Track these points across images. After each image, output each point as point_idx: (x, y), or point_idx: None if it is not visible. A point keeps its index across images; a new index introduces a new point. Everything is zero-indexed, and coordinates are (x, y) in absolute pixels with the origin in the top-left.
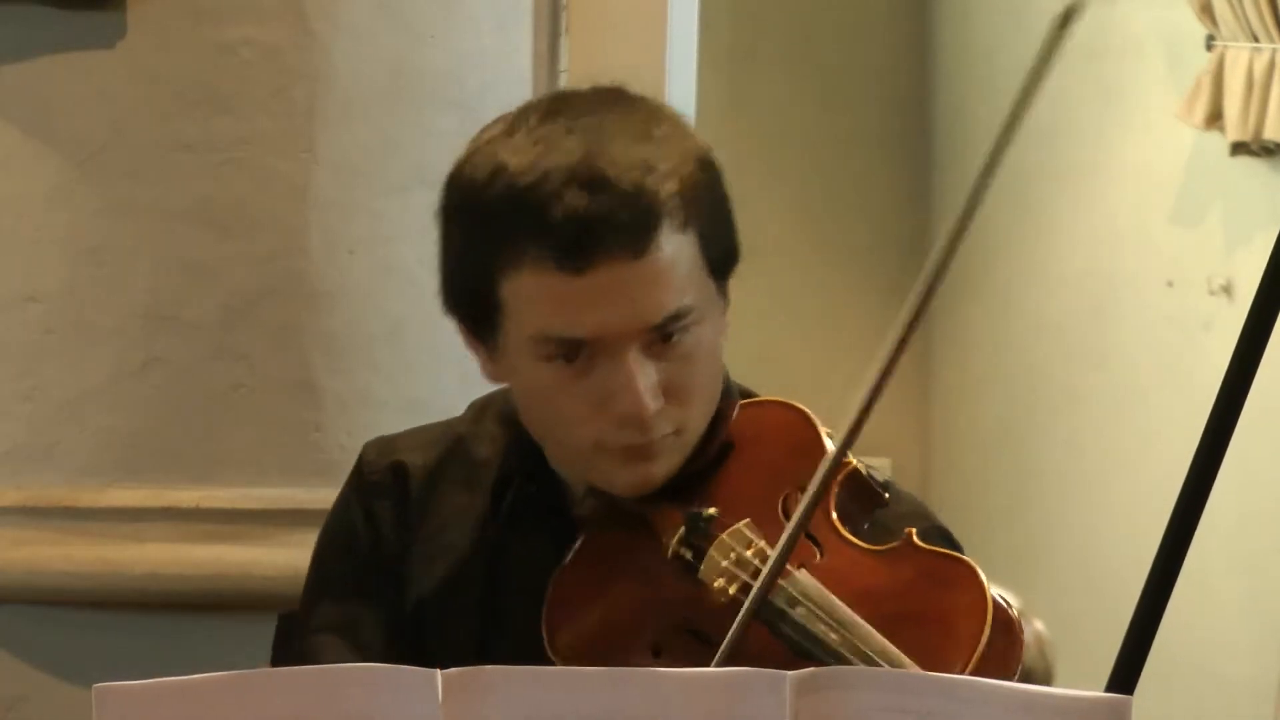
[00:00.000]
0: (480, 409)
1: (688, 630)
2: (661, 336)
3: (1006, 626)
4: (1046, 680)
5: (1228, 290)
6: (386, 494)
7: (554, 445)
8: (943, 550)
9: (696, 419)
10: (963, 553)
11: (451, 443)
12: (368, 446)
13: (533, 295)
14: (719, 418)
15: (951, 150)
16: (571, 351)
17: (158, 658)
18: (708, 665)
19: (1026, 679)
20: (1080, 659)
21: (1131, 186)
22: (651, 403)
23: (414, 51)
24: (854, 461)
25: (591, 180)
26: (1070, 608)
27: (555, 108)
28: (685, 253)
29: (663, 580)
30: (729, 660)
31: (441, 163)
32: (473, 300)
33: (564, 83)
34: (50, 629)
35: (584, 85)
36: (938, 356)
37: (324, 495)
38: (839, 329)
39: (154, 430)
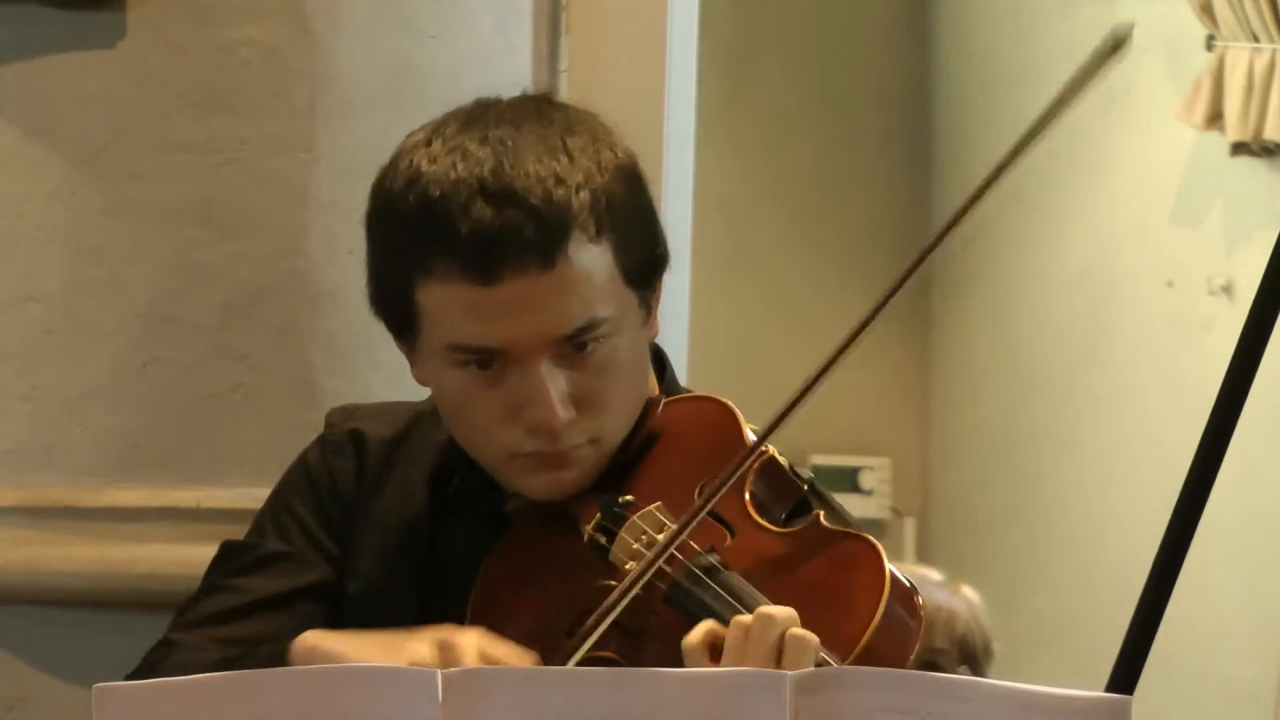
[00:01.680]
0: None
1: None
2: (574, 347)
3: (905, 602)
4: (985, 645)
5: (1228, 290)
6: (346, 455)
7: (473, 451)
8: (847, 529)
9: (612, 429)
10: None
11: (413, 419)
12: (332, 411)
13: (444, 305)
14: (644, 414)
15: (951, 150)
16: (484, 360)
17: None
18: (620, 649)
19: (964, 644)
20: (1080, 659)
21: (1131, 186)
22: (562, 412)
23: (414, 51)
24: (772, 451)
25: (499, 193)
26: (1070, 608)
27: (474, 116)
28: (599, 264)
29: (580, 567)
30: (632, 637)
31: None
32: (392, 306)
33: (564, 83)
34: (50, 629)
35: (604, 78)
36: (938, 356)
37: None
38: (838, 328)
39: (154, 430)
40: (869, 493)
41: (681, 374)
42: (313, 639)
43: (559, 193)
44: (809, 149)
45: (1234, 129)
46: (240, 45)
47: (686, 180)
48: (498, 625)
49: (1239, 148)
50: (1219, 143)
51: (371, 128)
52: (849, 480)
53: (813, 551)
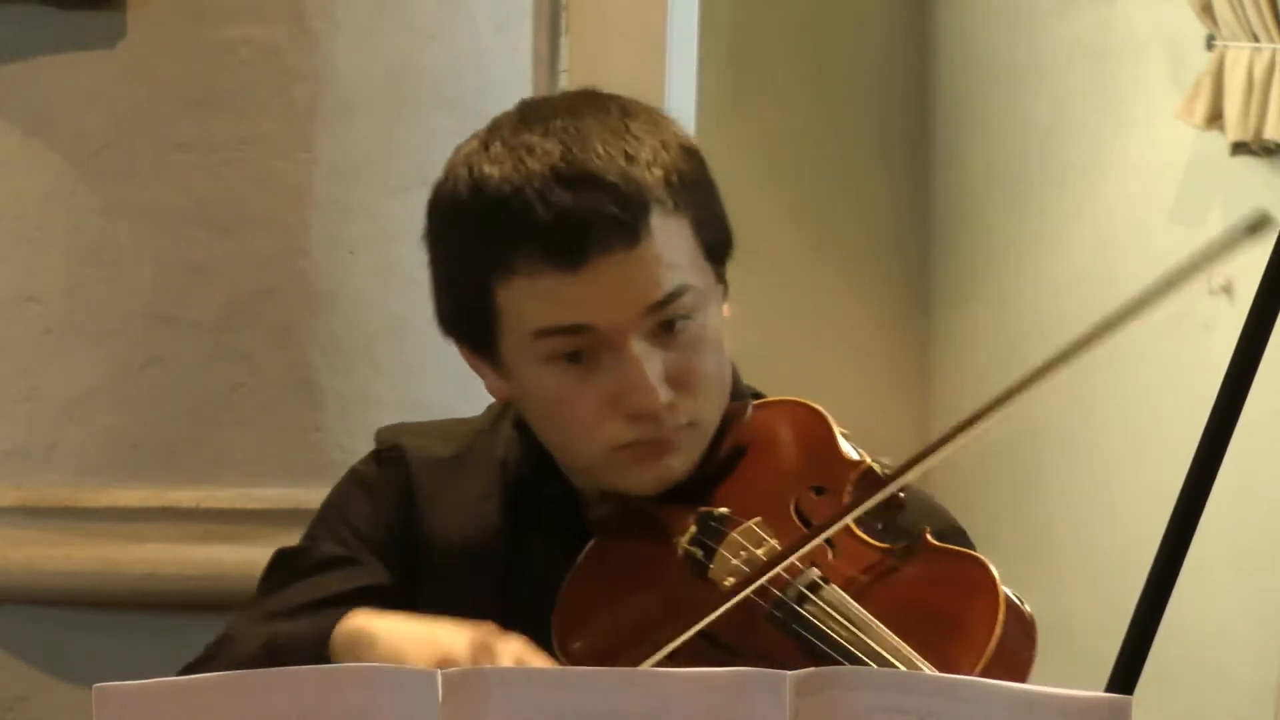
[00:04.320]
0: (499, 412)
1: (702, 635)
2: (664, 326)
3: (1019, 625)
4: None
5: (1228, 290)
6: (399, 469)
7: (569, 455)
8: (957, 549)
9: (709, 410)
10: (975, 550)
11: (470, 439)
12: (382, 429)
13: (528, 297)
14: (732, 419)
15: (951, 150)
16: (575, 351)
17: (158, 658)
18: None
19: None
20: (1080, 659)
21: (1131, 186)
22: (663, 394)
23: (414, 51)
24: (869, 462)
25: (575, 177)
26: (1070, 608)
27: (527, 115)
28: (679, 237)
29: (674, 581)
30: (732, 657)
31: (441, 163)
32: (470, 316)
33: (564, 83)
34: (50, 629)
35: (604, 78)
36: (938, 356)
37: (323, 495)
38: (837, 328)
39: (154, 430)
40: None
41: None
42: (359, 619)
43: (634, 170)
44: (809, 149)
45: (1234, 129)
46: (240, 45)
47: None
48: (585, 637)
49: (1239, 148)
50: (1219, 143)
51: (371, 128)
52: None
53: (921, 572)
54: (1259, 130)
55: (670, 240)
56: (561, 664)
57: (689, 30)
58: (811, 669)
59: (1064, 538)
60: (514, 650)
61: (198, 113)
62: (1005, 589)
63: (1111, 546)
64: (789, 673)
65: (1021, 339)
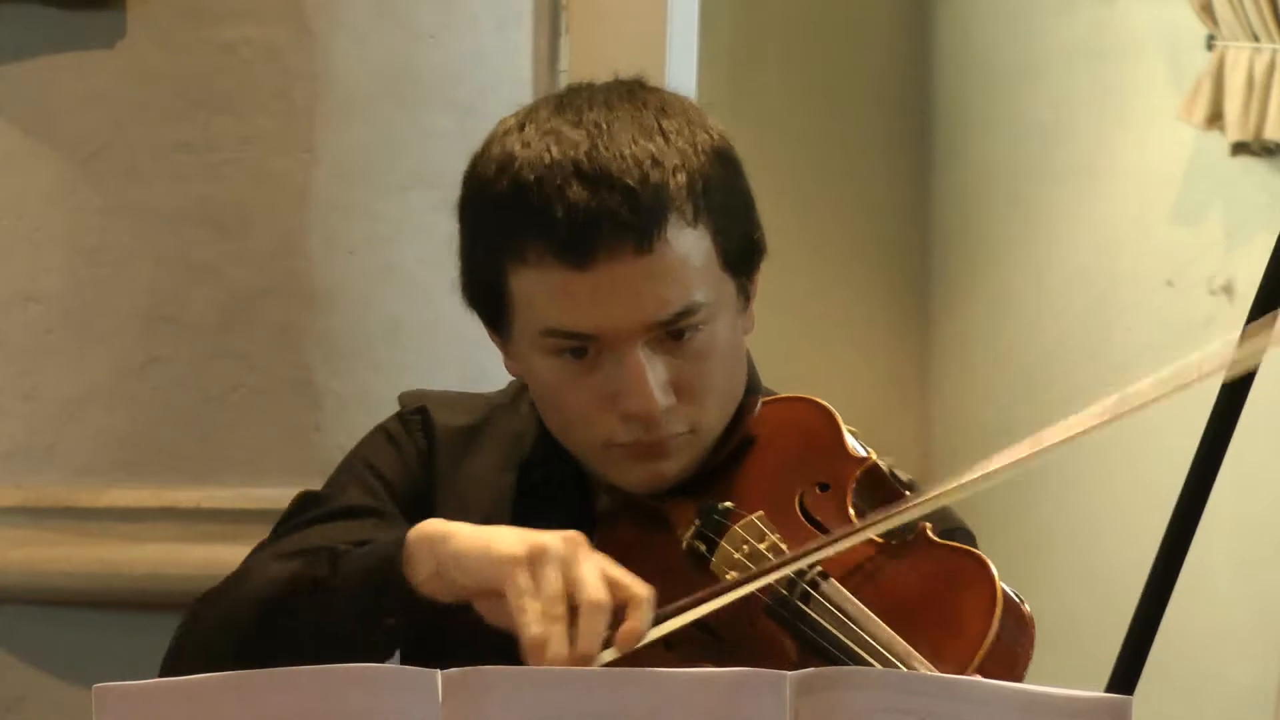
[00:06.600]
0: (520, 388)
1: (699, 625)
2: (671, 334)
3: (1017, 621)
4: None
5: (1228, 290)
6: (417, 433)
7: (567, 441)
8: (955, 545)
9: (711, 418)
10: (977, 549)
11: (488, 412)
12: (404, 393)
13: (537, 289)
14: (740, 413)
15: (951, 150)
16: (579, 347)
17: (158, 658)
18: (719, 660)
19: None
20: (1080, 659)
21: (1131, 186)
22: (661, 399)
23: (414, 51)
24: (874, 458)
25: (595, 175)
26: (1071, 607)
27: (566, 100)
28: (696, 248)
29: (677, 573)
30: (730, 647)
31: (441, 163)
32: (485, 294)
33: (564, 83)
34: (50, 629)
35: (604, 77)
36: (938, 356)
37: None
38: (838, 329)
39: (154, 430)
40: None
41: None
42: (431, 524)
43: (655, 174)
44: (809, 149)
45: (1234, 129)
46: (240, 45)
47: None
48: None
49: (1239, 148)
50: (1219, 143)
51: (371, 128)
52: None
53: (920, 568)
54: (1259, 130)
55: (684, 252)
56: None
57: (689, 30)
58: (812, 669)
59: (1064, 538)
60: (600, 559)
61: (198, 113)
62: (1004, 586)
63: (1111, 546)
64: (789, 673)
65: (1021, 339)
